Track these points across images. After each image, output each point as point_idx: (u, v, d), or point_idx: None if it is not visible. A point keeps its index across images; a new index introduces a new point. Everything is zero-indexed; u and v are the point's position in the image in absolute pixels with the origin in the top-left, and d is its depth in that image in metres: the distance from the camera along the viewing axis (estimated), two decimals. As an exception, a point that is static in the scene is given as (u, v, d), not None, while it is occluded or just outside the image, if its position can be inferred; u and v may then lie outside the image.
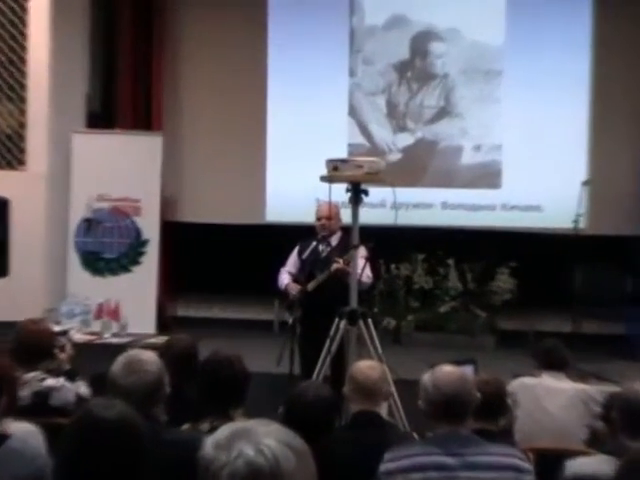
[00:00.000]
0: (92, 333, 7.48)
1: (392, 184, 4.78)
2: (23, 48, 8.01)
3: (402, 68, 8.73)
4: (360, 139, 8.78)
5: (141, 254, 8.21)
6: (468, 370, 4.22)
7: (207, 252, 8.74)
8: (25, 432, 2.77)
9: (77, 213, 8.08)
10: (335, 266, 5.29)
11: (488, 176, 8.60)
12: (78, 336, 6.99)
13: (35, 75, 7.96)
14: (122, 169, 8.10)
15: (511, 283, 8.41)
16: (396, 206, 5.05)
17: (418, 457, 2.78)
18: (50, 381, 3.74)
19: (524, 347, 7.06)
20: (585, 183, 7.73)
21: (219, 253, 8.72)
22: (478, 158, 8.62)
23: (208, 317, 9.11)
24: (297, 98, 8.77)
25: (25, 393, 3.64)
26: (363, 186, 4.90)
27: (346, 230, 5.40)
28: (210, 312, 9.20)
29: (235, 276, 8.64)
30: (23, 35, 8.01)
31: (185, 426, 3.11)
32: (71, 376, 3.85)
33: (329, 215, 5.56)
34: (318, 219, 5.67)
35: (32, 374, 3.72)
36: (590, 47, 8.43)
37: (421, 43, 8.70)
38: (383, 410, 3.68)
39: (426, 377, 2.86)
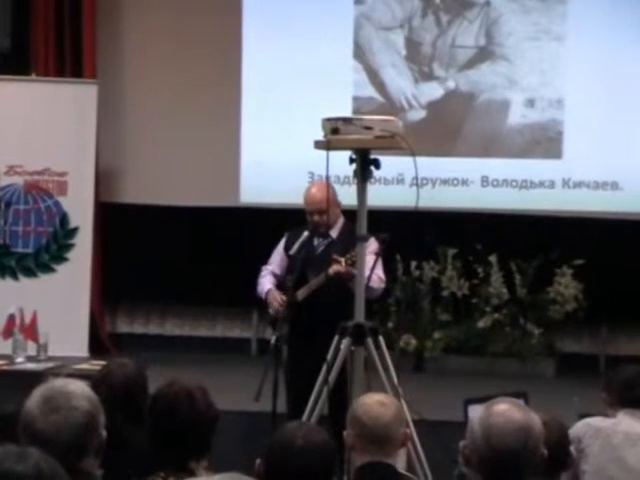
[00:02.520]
0: (-1, 357, 7.48)
1: (413, 152, 4.77)
2: None
3: (427, -7, 8.73)
4: (369, 91, 8.76)
5: (68, 248, 8.18)
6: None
7: (158, 246, 8.72)
8: None
9: (-22, 191, 8.08)
10: (334, 268, 5.28)
11: (545, 142, 8.58)
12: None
13: None
14: (41, 131, 8.06)
15: (576, 289, 8.40)
16: (418, 182, 5.05)
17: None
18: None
19: (593, 376, 7.06)
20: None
21: (175, 247, 8.71)
22: (532, 117, 8.61)
23: (160, 335, 9.10)
24: (282, 36, 8.73)
25: None
26: (373, 155, 4.89)
27: (350, 216, 5.39)
28: (163, 328, 9.19)
29: (197, 279, 8.62)
30: None
31: (128, 484, 3.11)
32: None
33: (323, 208, 5.43)
34: (309, 213, 5.59)
35: None
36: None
37: (454, -42, 8.70)
38: (400, 462, 3.68)
39: (476, 420, 2.76)
